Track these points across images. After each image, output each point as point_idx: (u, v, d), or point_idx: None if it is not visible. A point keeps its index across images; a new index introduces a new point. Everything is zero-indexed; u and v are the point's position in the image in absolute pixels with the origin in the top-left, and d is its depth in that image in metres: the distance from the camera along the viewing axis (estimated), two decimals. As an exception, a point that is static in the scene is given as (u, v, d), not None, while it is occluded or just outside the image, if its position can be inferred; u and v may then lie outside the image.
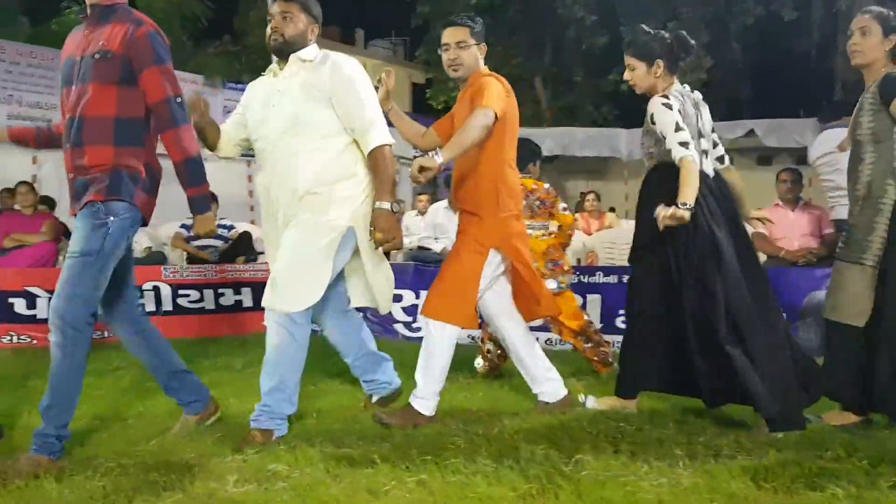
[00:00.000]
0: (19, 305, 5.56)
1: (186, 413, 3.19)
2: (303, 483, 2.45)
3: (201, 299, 6.13)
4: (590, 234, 7.79)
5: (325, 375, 4.20)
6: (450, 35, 3.37)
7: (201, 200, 2.93)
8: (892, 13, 3.19)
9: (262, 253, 7.21)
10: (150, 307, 5.82)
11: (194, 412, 3.19)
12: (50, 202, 7.76)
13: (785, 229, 5.60)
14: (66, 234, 6.62)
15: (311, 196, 3.03)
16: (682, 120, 3.15)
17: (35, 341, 5.45)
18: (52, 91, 9.40)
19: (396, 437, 2.95)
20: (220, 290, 6.21)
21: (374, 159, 3.08)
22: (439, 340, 3.22)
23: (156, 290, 5.94)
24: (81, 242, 2.73)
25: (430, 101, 20.17)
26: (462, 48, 3.34)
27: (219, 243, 7.09)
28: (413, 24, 19.43)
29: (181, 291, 6.04)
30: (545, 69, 18.69)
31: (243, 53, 14.96)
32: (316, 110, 3.05)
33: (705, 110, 3.40)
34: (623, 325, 5.15)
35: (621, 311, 5.15)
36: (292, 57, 3.13)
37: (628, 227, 8.07)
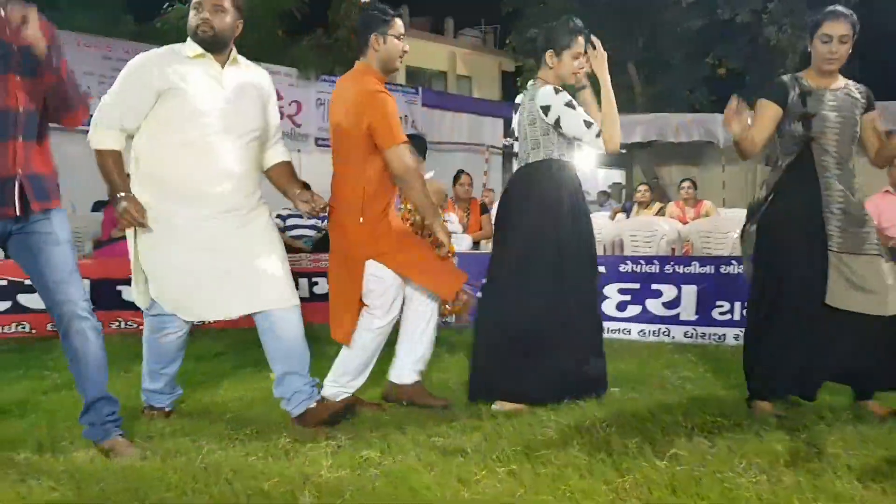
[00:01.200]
0: (126, 293, 5.83)
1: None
2: (394, 470, 2.48)
3: (297, 288, 6.26)
4: (685, 223, 7.56)
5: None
6: None
7: None
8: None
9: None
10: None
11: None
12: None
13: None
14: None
15: (258, 197, 3.16)
16: None
17: (141, 326, 5.69)
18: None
19: (486, 427, 2.96)
20: (313, 279, 6.35)
21: (291, 167, 3.33)
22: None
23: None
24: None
25: (520, 89, 20.02)
26: None
27: (312, 233, 7.26)
28: (503, 12, 19.33)
29: (277, 280, 6.19)
30: (638, 53, 18.24)
31: (335, 46, 15.20)
32: (262, 116, 3.18)
33: None
34: (720, 318, 5.01)
35: (718, 303, 5.01)
36: (234, 57, 3.11)
37: (726, 215, 7.80)
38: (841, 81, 3.25)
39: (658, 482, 2.36)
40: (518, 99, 3.62)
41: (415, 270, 3.30)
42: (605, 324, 5.18)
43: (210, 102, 3.00)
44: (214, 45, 3.02)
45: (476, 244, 7.06)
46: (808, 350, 3.17)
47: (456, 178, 7.38)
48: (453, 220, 6.94)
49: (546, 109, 3.33)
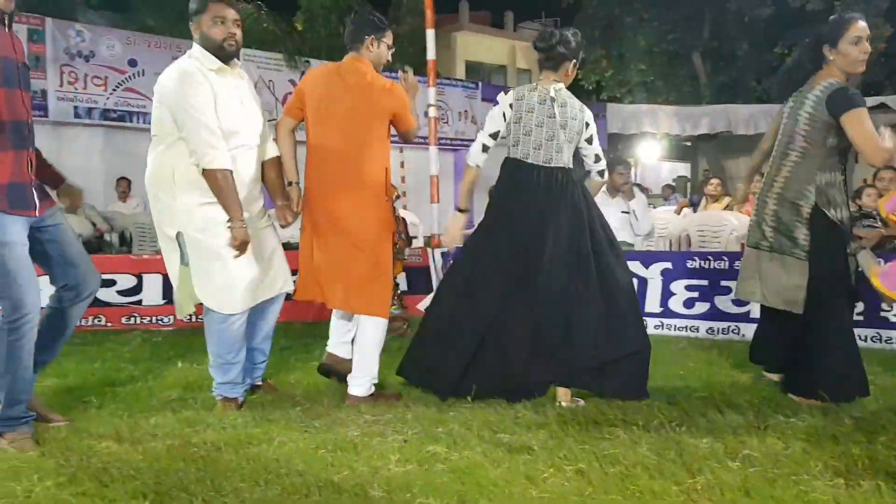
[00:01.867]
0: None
1: None
2: (461, 466, 2.49)
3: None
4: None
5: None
6: None
7: None
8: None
9: (415, 238, 7.39)
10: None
11: None
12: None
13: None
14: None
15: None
16: None
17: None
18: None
19: (553, 425, 2.94)
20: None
21: (277, 166, 3.48)
22: None
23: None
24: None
25: (581, 82, 19.81)
26: None
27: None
28: (564, 4, 19.14)
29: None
30: (704, 43, 17.84)
31: (396, 42, 15.29)
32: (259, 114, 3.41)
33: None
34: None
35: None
36: (234, 62, 3.32)
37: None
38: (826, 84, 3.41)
39: (731, 484, 2.31)
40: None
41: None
42: (672, 321, 5.14)
43: (237, 114, 3.26)
44: (232, 57, 3.27)
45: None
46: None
47: None
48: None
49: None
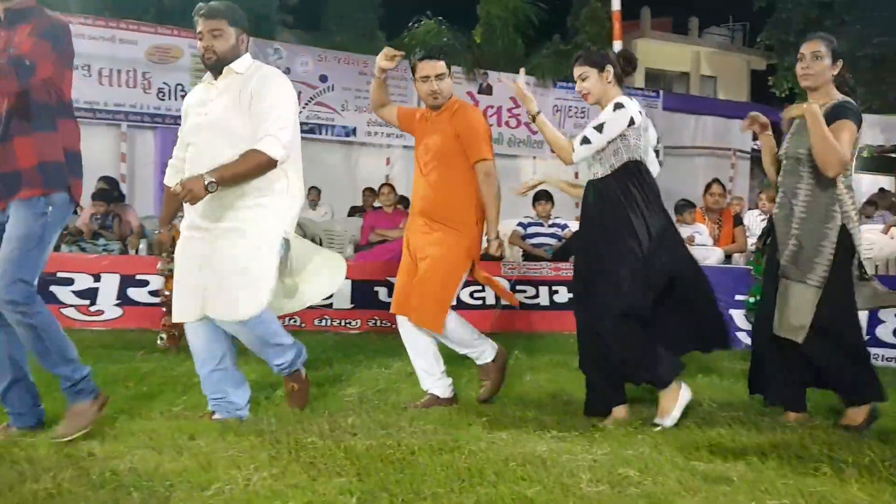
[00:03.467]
0: (382, 294, 6.27)
1: (11, 424, 3.10)
2: (655, 492, 2.44)
3: (536, 295, 6.39)
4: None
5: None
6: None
7: None
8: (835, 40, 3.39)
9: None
10: (491, 301, 6.20)
11: (18, 425, 3.08)
12: (405, 201, 8.64)
13: None
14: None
15: (240, 201, 3.16)
16: None
17: (393, 325, 6.09)
18: (405, 99, 10.47)
19: (751, 454, 2.81)
20: (554, 288, 6.41)
21: (246, 156, 3.14)
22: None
23: (496, 285, 6.31)
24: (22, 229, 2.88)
25: (772, 90, 18.72)
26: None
27: (553, 241, 7.33)
28: (755, 7, 18.20)
29: (518, 287, 6.35)
30: (913, 47, 16.32)
31: (574, 52, 15.19)
32: (235, 116, 3.14)
33: None
34: None
35: None
36: (226, 69, 3.22)
37: None
38: (836, 97, 3.36)
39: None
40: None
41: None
42: (881, 350, 4.74)
43: (189, 123, 3.29)
44: (219, 67, 3.22)
45: (728, 258, 6.72)
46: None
47: (707, 188, 7.07)
48: (703, 231, 6.67)
49: None
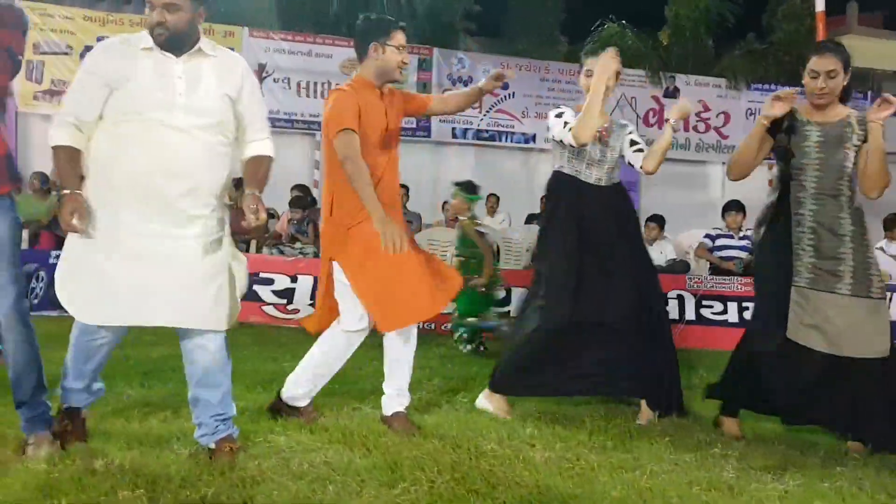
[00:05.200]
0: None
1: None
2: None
3: (724, 311, 6.11)
4: None
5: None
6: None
7: None
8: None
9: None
10: (674, 316, 6.00)
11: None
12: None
13: None
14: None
15: (216, 200, 2.90)
16: None
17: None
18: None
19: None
20: (743, 304, 6.09)
21: (262, 164, 3.00)
22: None
23: (679, 299, 6.11)
24: None
25: None
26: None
27: (743, 254, 6.98)
28: None
29: (704, 302, 6.10)
30: None
31: (770, 52, 14.32)
32: (228, 110, 2.91)
33: None
34: None
35: None
36: (197, 48, 2.86)
37: None
38: (842, 113, 3.26)
39: None
40: None
41: (369, 295, 3.23)
42: None
43: (151, 96, 2.79)
44: (173, 44, 2.83)
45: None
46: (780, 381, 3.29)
47: None
48: None
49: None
